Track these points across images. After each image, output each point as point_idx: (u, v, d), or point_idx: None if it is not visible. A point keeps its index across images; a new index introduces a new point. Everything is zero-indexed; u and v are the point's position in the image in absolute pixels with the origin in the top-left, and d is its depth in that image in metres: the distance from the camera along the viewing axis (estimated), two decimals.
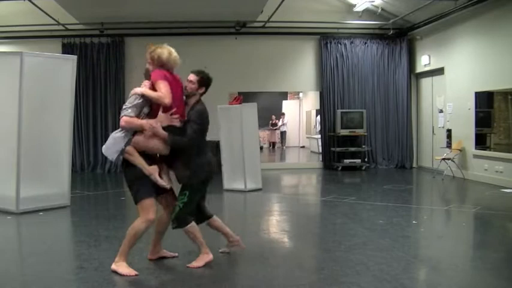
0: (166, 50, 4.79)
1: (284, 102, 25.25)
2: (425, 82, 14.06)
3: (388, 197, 9.20)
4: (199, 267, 4.83)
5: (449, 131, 12.15)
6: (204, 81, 4.91)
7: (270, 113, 23.29)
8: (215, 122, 9.13)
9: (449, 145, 12.00)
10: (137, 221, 4.69)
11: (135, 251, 5.17)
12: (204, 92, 4.96)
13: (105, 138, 13.49)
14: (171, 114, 4.67)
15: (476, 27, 11.15)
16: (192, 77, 4.88)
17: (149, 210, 4.65)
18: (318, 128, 17.86)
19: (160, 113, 4.65)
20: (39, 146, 7.79)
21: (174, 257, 5.21)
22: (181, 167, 4.81)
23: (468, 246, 6.19)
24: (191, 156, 4.80)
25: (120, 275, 4.58)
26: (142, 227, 4.66)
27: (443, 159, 11.68)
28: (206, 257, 4.92)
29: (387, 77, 14.42)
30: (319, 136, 15.95)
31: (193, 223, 4.89)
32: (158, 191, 4.82)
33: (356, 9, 13.64)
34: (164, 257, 5.18)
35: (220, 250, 5.22)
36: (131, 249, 4.76)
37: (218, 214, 5.45)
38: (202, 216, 5.12)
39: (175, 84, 4.75)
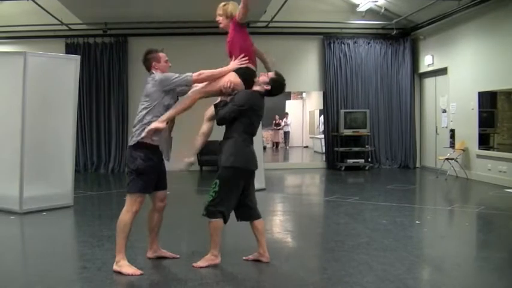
0: (237, 6, 5.05)
1: (287, 102, 25.25)
2: (429, 82, 14.04)
3: (392, 197, 9.19)
4: (201, 267, 4.82)
5: (452, 131, 12.13)
6: (274, 81, 4.96)
7: (273, 113, 23.28)
8: None
9: (452, 145, 11.98)
10: (122, 213, 4.71)
11: (138, 251, 5.19)
12: (268, 91, 4.97)
13: (109, 137, 13.70)
14: (243, 57, 4.95)
15: (480, 27, 11.13)
16: (270, 73, 5.03)
17: (134, 204, 4.68)
18: (322, 128, 17.85)
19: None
20: (42, 146, 7.79)
21: (174, 258, 5.16)
22: (226, 149, 4.85)
23: (471, 246, 6.17)
24: (238, 140, 4.83)
25: (125, 275, 4.57)
26: (127, 218, 4.66)
27: (447, 159, 11.67)
28: (212, 259, 4.87)
29: (390, 77, 14.40)
30: (323, 136, 15.94)
31: (219, 221, 4.81)
32: (157, 186, 4.88)
33: (359, 9, 13.64)
34: (164, 257, 5.15)
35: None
36: (126, 244, 4.72)
37: None
38: (246, 215, 5.02)
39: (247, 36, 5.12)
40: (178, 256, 5.19)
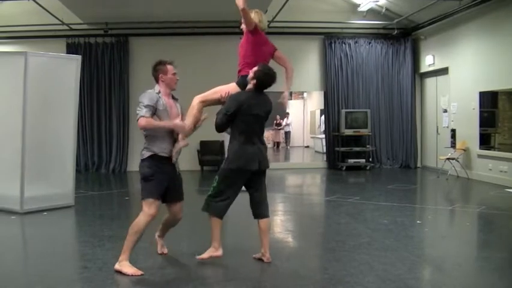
0: (259, 14, 5.42)
1: (288, 102, 25.22)
2: (430, 82, 14.03)
3: (393, 197, 9.19)
4: (203, 259, 4.89)
5: (453, 130, 12.12)
6: (257, 73, 4.97)
7: (274, 112, 23.19)
8: None
9: (453, 145, 11.98)
10: (139, 216, 4.72)
11: (140, 251, 5.18)
12: (257, 85, 4.99)
13: (110, 137, 13.72)
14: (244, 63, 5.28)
15: (481, 27, 11.12)
16: (255, 68, 5.03)
17: (151, 206, 4.70)
18: (322, 127, 17.83)
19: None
20: (43, 146, 7.80)
21: (162, 253, 5.28)
22: (227, 152, 4.98)
23: (472, 246, 6.17)
24: (235, 142, 4.91)
25: (125, 274, 4.57)
26: (143, 222, 4.68)
27: (448, 159, 11.66)
28: (213, 251, 4.94)
29: (391, 77, 14.39)
30: (324, 136, 15.93)
31: (215, 214, 4.88)
32: (168, 199, 4.93)
33: (360, 9, 13.63)
34: (162, 253, 5.29)
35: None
36: (134, 247, 4.74)
37: None
38: (252, 212, 5.11)
39: (266, 43, 5.56)
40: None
